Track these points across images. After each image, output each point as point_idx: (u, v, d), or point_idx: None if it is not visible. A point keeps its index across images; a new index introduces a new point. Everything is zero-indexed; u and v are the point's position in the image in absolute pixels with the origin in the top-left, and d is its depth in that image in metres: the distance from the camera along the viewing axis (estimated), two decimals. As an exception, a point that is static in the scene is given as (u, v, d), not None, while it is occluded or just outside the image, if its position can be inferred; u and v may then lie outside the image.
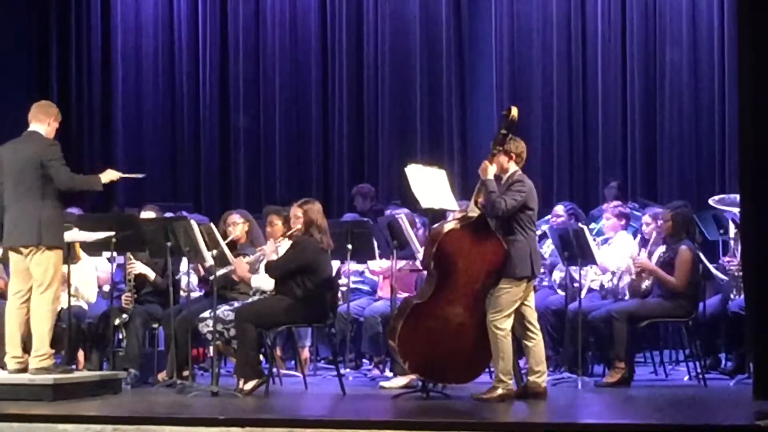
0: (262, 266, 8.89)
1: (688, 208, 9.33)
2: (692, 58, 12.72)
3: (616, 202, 10.28)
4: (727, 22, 12.42)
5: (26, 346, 8.29)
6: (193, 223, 8.72)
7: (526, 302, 8.03)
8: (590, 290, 9.74)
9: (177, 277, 9.39)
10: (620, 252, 9.67)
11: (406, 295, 9.26)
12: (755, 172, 6.85)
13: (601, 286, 9.70)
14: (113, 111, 14.20)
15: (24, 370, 8.19)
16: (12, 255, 8.36)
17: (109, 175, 8.58)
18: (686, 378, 9.44)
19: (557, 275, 9.91)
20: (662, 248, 9.20)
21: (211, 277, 8.86)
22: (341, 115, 13.80)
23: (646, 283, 9.11)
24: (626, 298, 9.34)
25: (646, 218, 9.56)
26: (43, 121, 8.45)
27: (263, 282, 8.88)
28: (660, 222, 9.26)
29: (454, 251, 7.98)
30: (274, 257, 8.76)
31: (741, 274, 8.66)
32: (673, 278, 8.95)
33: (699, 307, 9.16)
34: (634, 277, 9.14)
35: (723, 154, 12.43)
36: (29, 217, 8.19)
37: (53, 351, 8.35)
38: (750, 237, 7.03)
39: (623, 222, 9.91)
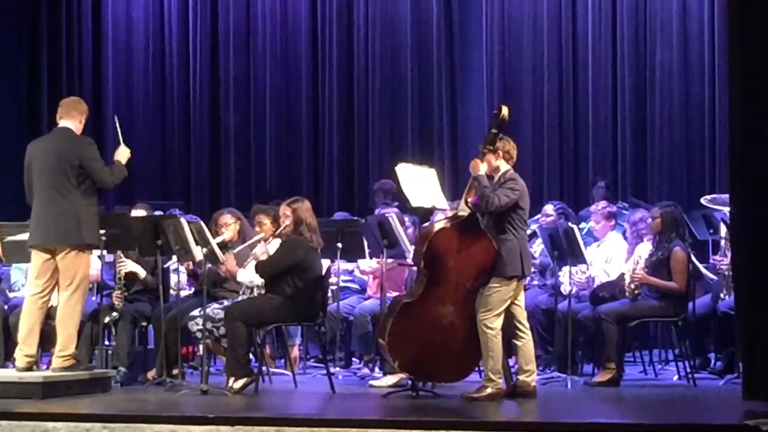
0: (250, 262, 8.86)
1: (677, 208, 9.33)
2: (682, 58, 12.74)
3: (603, 203, 10.26)
4: (717, 22, 12.44)
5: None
6: (183, 221, 8.69)
7: (516, 301, 8.02)
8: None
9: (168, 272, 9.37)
10: (612, 252, 9.71)
11: (396, 293, 9.27)
12: (745, 171, 6.86)
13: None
14: (104, 110, 14.16)
15: (31, 369, 8.14)
16: (37, 254, 8.19)
17: (124, 155, 8.50)
18: (676, 377, 9.43)
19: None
20: (649, 247, 9.19)
21: (200, 270, 8.85)
22: (331, 114, 13.80)
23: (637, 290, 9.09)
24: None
25: (634, 218, 9.57)
26: (75, 118, 8.37)
27: (251, 276, 8.84)
28: (649, 221, 9.27)
29: (445, 250, 7.96)
30: (264, 257, 8.75)
31: (731, 273, 8.66)
32: (673, 283, 8.93)
33: (689, 307, 9.16)
34: (629, 288, 9.07)
35: (713, 154, 12.45)
36: (69, 216, 8.07)
37: (77, 351, 8.34)
38: (740, 236, 7.03)
39: (612, 222, 9.91)
